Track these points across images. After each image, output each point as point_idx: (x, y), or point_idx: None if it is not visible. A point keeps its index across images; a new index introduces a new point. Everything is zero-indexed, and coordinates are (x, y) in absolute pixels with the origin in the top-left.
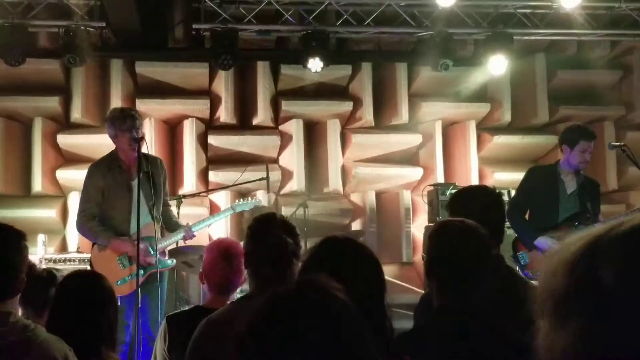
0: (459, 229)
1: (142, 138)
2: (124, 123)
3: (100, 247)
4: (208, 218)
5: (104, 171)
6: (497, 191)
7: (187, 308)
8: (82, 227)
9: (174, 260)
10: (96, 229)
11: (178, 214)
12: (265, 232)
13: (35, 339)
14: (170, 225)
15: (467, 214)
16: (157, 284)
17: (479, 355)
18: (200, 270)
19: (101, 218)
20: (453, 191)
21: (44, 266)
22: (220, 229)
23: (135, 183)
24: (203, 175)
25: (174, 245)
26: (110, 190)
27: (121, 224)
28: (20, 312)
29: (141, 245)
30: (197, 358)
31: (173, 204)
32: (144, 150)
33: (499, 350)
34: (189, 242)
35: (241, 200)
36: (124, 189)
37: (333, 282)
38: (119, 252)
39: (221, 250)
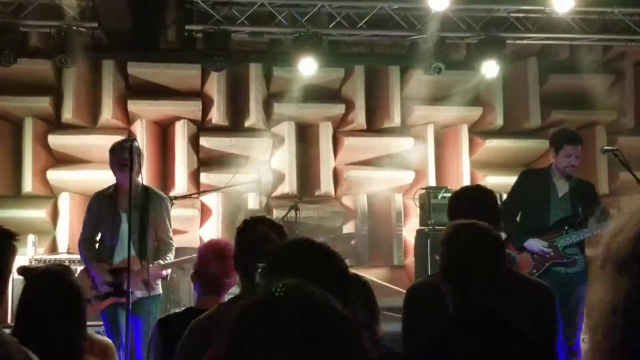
0: (472, 232)
1: (131, 151)
2: (117, 147)
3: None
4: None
5: (100, 200)
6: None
7: (178, 310)
8: (79, 251)
9: (136, 294)
10: (87, 256)
11: None
12: (252, 230)
13: None
14: (157, 259)
15: (461, 214)
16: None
17: (497, 357)
18: (192, 270)
19: (99, 245)
20: (445, 195)
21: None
22: (211, 232)
23: (125, 216)
24: (194, 177)
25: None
26: (101, 220)
27: (105, 254)
28: None
29: (101, 277)
30: (185, 358)
31: None
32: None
33: (518, 351)
34: (182, 246)
35: None
36: (113, 220)
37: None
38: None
39: (215, 250)
